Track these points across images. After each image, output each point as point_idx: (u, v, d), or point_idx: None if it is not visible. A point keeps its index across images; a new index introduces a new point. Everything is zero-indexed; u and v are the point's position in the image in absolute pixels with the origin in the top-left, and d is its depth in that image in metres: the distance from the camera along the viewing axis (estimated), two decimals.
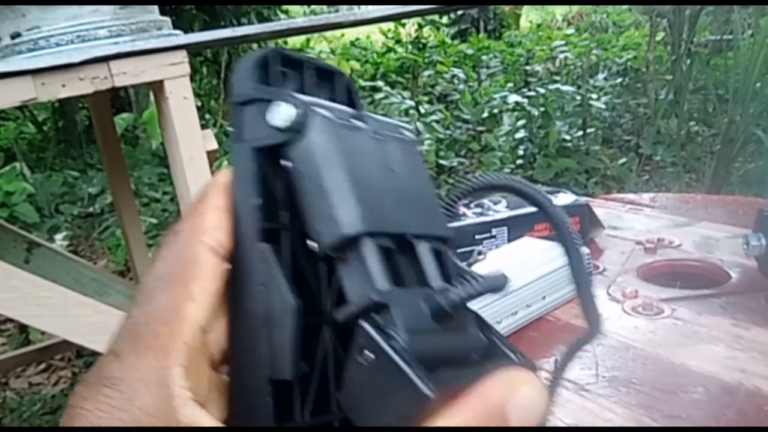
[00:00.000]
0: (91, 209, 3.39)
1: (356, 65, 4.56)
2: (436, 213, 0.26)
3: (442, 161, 3.49)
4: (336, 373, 0.23)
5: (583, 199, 1.07)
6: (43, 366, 2.19)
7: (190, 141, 1.10)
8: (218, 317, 0.23)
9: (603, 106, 3.61)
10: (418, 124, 3.57)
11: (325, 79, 0.27)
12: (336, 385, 0.22)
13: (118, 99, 4.21)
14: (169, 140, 1.12)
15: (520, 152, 3.41)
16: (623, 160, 3.28)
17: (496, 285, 0.22)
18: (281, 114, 0.23)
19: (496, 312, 0.74)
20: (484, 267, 0.75)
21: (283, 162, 0.23)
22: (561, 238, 0.27)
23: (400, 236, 0.23)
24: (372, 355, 0.20)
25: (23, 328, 2.27)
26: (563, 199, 1.04)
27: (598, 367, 0.68)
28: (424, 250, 0.24)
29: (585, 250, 0.86)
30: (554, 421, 0.60)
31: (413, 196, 0.25)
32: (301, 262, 0.24)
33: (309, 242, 0.22)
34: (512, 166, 3.34)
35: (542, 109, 3.39)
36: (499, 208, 1.01)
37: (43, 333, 2.06)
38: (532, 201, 0.27)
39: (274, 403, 0.22)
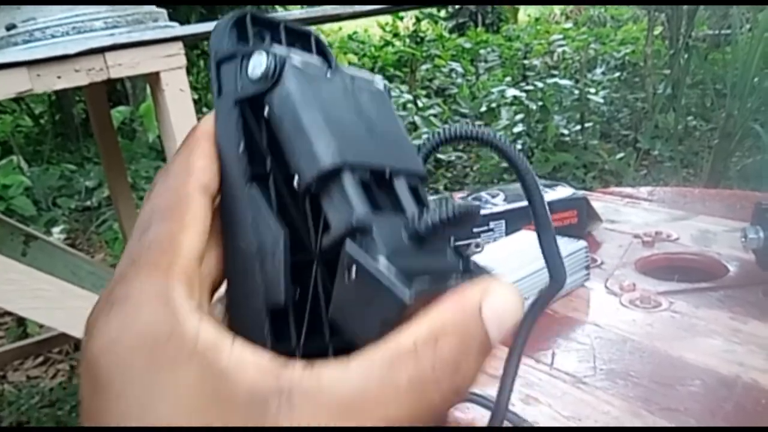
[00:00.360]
0: (88, 203, 3.38)
1: (354, 59, 4.55)
2: (411, 151, 0.27)
3: (440, 155, 3.49)
4: (326, 301, 0.24)
5: (581, 193, 1.06)
6: (41, 359, 2.19)
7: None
8: (210, 251, 0.24)
9: (601, 101, 3.61)
10: (416, 118, 3.57)
11: (299, 39, 0.28)
12: (326, 311, 0.24)
13: (114, 92, 4.20)
14: (166, 133, 1.12)
15: (518, 146, 3.40)
16: (621, 154, 3.28)
17: (470, 210, 0.23)
18: (258, 65, 0.24)
19: None
20: (481, 260, 0.75)
21: (264, 110, 0.25)
22: (522, 181, 0.28)
23: (378, 171, 0.24)
24: (354, 273, 0.21)
25: (21, 321, 2.27)
26: (561, 192, 1.04)
27: (596, 360, 0.68)
28: (400, 184, 0.25)
29: (583, 243, 0.86)
30: (552, 414, 0.60)
31: (388, 136, 0.26)
32: (287, 204, 0.25)
33: (295, 180, 0.24)
34: None
35: (540, 103, 3.39)
36: (497, 201, 1.01)
37: (40, 326, 2.06)
38: (497, 149, 0.28)
39: (271, 329, 0.24)
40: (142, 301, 0.21)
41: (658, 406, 0.60)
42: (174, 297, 0.21)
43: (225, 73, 0.25)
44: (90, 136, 3.86)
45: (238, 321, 0.25)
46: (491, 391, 0.64)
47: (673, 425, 0.57)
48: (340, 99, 0.25)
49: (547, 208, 0.28)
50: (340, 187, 0.23)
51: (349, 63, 4.09)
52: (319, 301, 0.24)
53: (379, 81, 0.28)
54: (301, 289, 0.24)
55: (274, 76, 0.24)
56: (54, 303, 1.04)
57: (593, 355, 0.69)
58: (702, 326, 0.74)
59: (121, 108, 3.93)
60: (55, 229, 3.01)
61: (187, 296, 0.21)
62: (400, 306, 0.20)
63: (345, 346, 0.22)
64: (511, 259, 0.80)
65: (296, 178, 0.24)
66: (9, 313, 2.24)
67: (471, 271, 0.25)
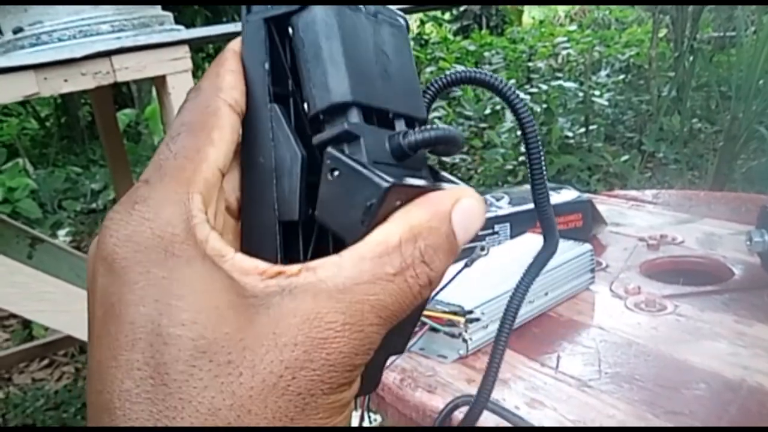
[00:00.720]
0: (93, 205, 3.39)
1: None
2: (417, 97, 0.28)
3: (444, 158, 3.49)
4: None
5: (586, 196, 1.06)
6: (46, 362, 2.19)
7: None
8: (232, 168, 0.26)
9: (605, 103, 3.60)
10: None
11: None
12: (334, 233, 0.25)
13: (120, 95, 4.21)
14: None
15: (523, 149, 3.39)
16: (626, 157, 3.27)
17: (452, 134, 0.25)
18: None
19: (498, 308, 0.74)
20: (486, 263, 0.75)
21: (290, 29, 0.25)
22: (522, 126, 0.29)
23: (383, 112, 0.25)
24: (337, 172, 0.23)
25: (26, 324, 2.27)
26: (566, 195, 1.04)
27: (601, 363, 0.68)
28: (400, 125, 0.26)
29: (588, 246, 0.86)
30: (557, 418, 0.60)
31: (398, 78, 0.27)
32: (305, 127, 0.26)
33: (305, 106, 0.25)
34: (514, 162, 3.33)
35: (545, 105, 3.38)
36: (502, 204, 1.01)
37: (46, 329, 2.06)
38: (497, 91, 0.29)
39: (281, 242, 0.25)
40: (162, 203, 0.22)
41: (662, 409, 0.60)
42: (192, 205, 0.22)
43: None
44: (96, 139, 3.87)
45: (249, 234, 0.26)
46: (496, 395, 0.64)
47: (678, 428, 0.57)
48: (362, 32, 0.26)
49: (544, 164, 0.29)
50: (344, 119, 0.24)
51: None
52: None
53: (401, 15, 0.28)
54: (312, 210, 0.25)
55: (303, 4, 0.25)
56: (59, 306, 1.05)
57: (598, 358, 0.69)
58: (707, 329, 0.74)
59: (126, 111, 3.94)
60: (61, 232, 3.02)
61: (202, 207, 0.23)
62: (380, 191, 0.22)
63: None
64: (515, 262, 0.80)
65: (306, 104, 0.25)
66: (14, 316, 2.25)
67: (441, 180, 0.26)
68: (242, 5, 0.26)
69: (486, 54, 5.07)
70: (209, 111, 0.25)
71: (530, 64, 4.54)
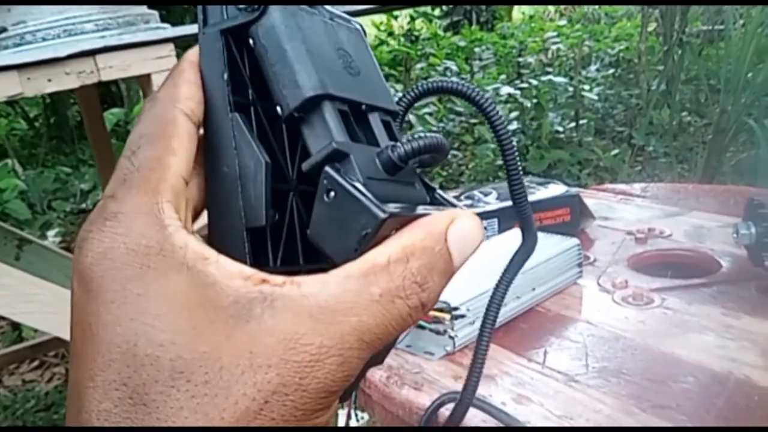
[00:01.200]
0: (83, 205, 3.37)
1: None
2: (385, 89, 0.28)
3: None
4: (301, 227, 0.26)
5: (574, 190, 1.06)
6: (36, 363, 2.18)
7: None
8: (194, 177, 0.26)
9: (595, 98, 3.61)
10: (411, 117, 3.56)
11: None
12: (301, 236, 0.26)
13: (109, 94, 4.19)
14: None
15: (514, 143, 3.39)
16: (616, 151, 3.28)
17: (439, 142, 0.25)
18: None
19: (485, 305, 0.73)
20: (473, 259, 0.75)
21: (248, 42, 0.26)
22: (495, 133, 0.29)
23: (355, 105, 0.26)
24: (333, 193, 0.23)
25: (16, 326, 2.26)
26: (554, 189, 1.04)
27: (588, 358, 0.68)
28: (374, 119, 0.27)
29: (575, 240, 0.85)
30: (544, 414, 0.60)
31: (364, 74, 0.27)
32: (267, 134, 0.26)
33: (278, 108, 0.25)
34: None
35: (535, 100, 3.38)
36: (489, 200, 1.01)
37: (35, 330, 2.05)
38: (468, 99, 0.29)
39: (250, 249, 0.25)
40: (133, 216, 0.22)
41: (650, 403, 0.60)
42: (163, 214, 0.22)
43: (211, 8, 0.26)
44: (85, 139, 3.85)
45: (217, 243, 0.26)
46: (483, 391, 0.64)
47: (666, 423, 0.57)
48: (321, 34, 0.26)
49: (518, 162, 0.29)
50: (320, 116, 0.24)
51: None
52: (294, 227, 0.26)
53: (355, 21, 0.29)
54: (279, 216, 0.26)
55: (259, 7, 0.25)
56: (48, 307, 1.04)
57: (585, 353, 0.69)
58: (694, 322, 0.74)
59: (114, 110, 3.92)
60: (50, 233, 3.00)
61: (174, 214, 0.23)
62: (376, 222, 0.22)
63: (318, 270, 0.23)
64: (503, 258, 0.80)
65: (279, 106, 0.25)
66: (3, 318, 2.23)
67: (438, 202, 0.27)
68: (203, 10, 0.26)
69: (476, 50, 5.06)
70: (167, 120, 0.25)
71: (520, 59, 4.54)
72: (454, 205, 0.26)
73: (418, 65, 4.65)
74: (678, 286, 0.82)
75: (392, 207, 0.22)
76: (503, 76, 4.34)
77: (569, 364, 0.67)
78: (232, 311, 0.21)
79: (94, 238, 0.22)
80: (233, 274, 0.21)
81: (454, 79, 0.29)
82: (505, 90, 3.54)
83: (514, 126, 3.40)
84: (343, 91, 0.25)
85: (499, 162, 3.33)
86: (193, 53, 0.27)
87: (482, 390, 0.64)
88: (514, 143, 0.29)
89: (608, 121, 3.82)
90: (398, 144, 0.24)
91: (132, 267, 0.21)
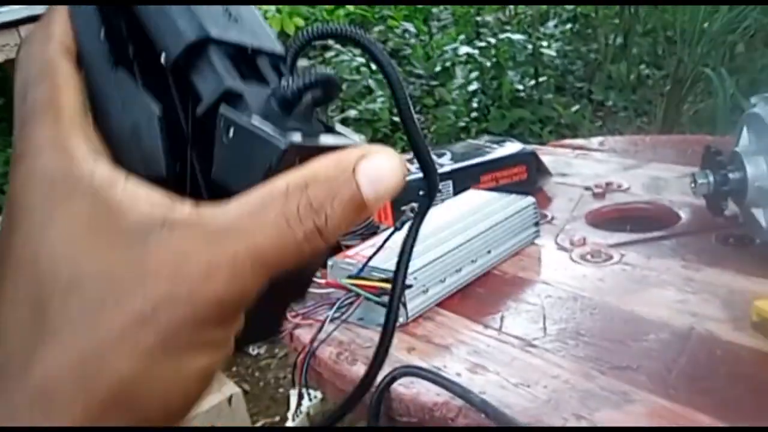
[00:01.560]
0: None
1: (302, 23, 4.43)
2: (271, 35, 0.27)
3: (395, 118, 3.43)
4: (203, 175, 0.25)
5: (530, 147, 1.03)
6: None
7: None
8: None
9: (554, 54, 3.57)
10: (371, 82, 3.49)
11: None
12: (205, 183, 0.25)
13: None
14: None
15: (474, 105, 3.36)
16: (576, 107, 3.26)
17: (331, 75, 0.24)
18: None
19: (440, 269, 0.70)
20: (426, 224, 0.71)
21: None
22: (386, 77, 0.27)
23: (241, 48, 0.25)
24: (232, 132, 0.22)
25: None
26: (510, 148, 1.01)
27: (546, 321, 0.65)
28: (263, 63, 0.26)
29: (531, 199, 0.82)
30: (500, 382, 0.57)
31: (247, 20, 0.26)
32: (154, 87, 0.25)
33: (162, 58, 0.24)
34: (467, 119, 3.29)
35: (494, 59, 3.34)
36: (443, 161, 0.97)
37: None
38: (359, 45, 0.27)
39: None
40: (38, 151, 0.23)
41: (609, 365, 0.58)
42: (69, 142, 0.23)
43: None
44: None
45: None
46: (437, 362, 0.60)
47: (626, 385, 0.55)
48: None
49: (412, 108, 0.27)
50: (207, 60, 0.24)
51: (297, 27, 3.98)
52: (196, 176, 0.25)
53: None
54: (181, 165, 0.25)
55: None
56: None
57: (543, 315, 0.66)
58: (654, 277, 0.72)
59: None
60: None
61: (84, 140, 0.23)
62: (279, 152, 0.22)
63: None
64: (460, 220, 0.77)
65: (163, 55, 0.24)
66: None
67: (337, 134, 0.26)
68: None
69: (434, 10, 4.99)
70: (45, 60, 0.25)
71: (479, 18, 4.48)
72: (354, 138, 0.26)
73: (376, 28, 4.56)
74: (637, 240, 0.80)
75: (294, 136, 0.22)
76: (462, 36, 4.29)
77: (526, 329, 0.65)
78: (132, 232, 0.21)
79: (11, 181, 0.23)
80: (139, 199, 0.22)
81: (346, 25, 0.27)
82: (464, 50, 3.49)
83: (474, 86, 3.36)
84: (226, 35, 0.24)
85: (461, 124, 3.30)
86: (62, 7, 0.26)
87: (437, 361, 0.61)
88: (407, 91, 0.27)
89: (568, 78, 3.80)
90: (289, 79, 0.24)
91: (38, 196, 0.22)
